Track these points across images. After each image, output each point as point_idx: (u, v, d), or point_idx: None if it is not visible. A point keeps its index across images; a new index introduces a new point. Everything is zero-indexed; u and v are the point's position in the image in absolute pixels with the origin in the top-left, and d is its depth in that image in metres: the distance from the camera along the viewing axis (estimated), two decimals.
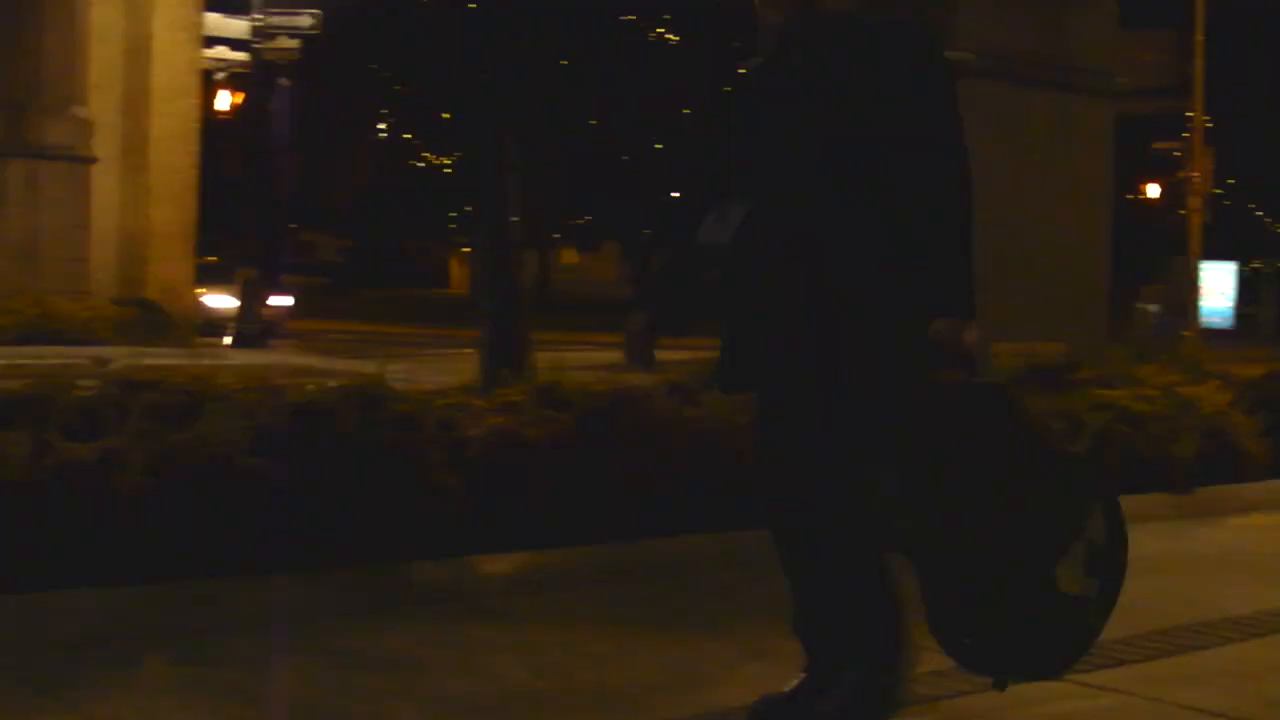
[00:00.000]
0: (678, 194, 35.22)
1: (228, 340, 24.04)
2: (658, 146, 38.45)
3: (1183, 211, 30.74)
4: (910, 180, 4.20)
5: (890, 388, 4.19)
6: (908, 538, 4.24)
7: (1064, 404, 8.90)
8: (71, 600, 5.23)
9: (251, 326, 24.26)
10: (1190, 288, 30.87)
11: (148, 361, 12.55)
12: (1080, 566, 4.40)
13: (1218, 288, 41.73)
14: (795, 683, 4.41)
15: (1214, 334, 32.65)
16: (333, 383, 6.95)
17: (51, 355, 16.58)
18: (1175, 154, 32.10)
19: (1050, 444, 4.65)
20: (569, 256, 56.39)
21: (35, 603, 5.16)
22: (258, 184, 27.44)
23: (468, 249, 26.65)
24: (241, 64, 27.94)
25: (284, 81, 27.65)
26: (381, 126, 57.44)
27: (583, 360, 19.26)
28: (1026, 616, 4.38)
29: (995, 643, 4.38)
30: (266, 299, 25.91)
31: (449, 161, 52.05)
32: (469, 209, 19.26)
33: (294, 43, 26.74)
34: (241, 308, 24.94)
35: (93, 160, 23.41)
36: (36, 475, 5.45)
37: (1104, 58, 13.45)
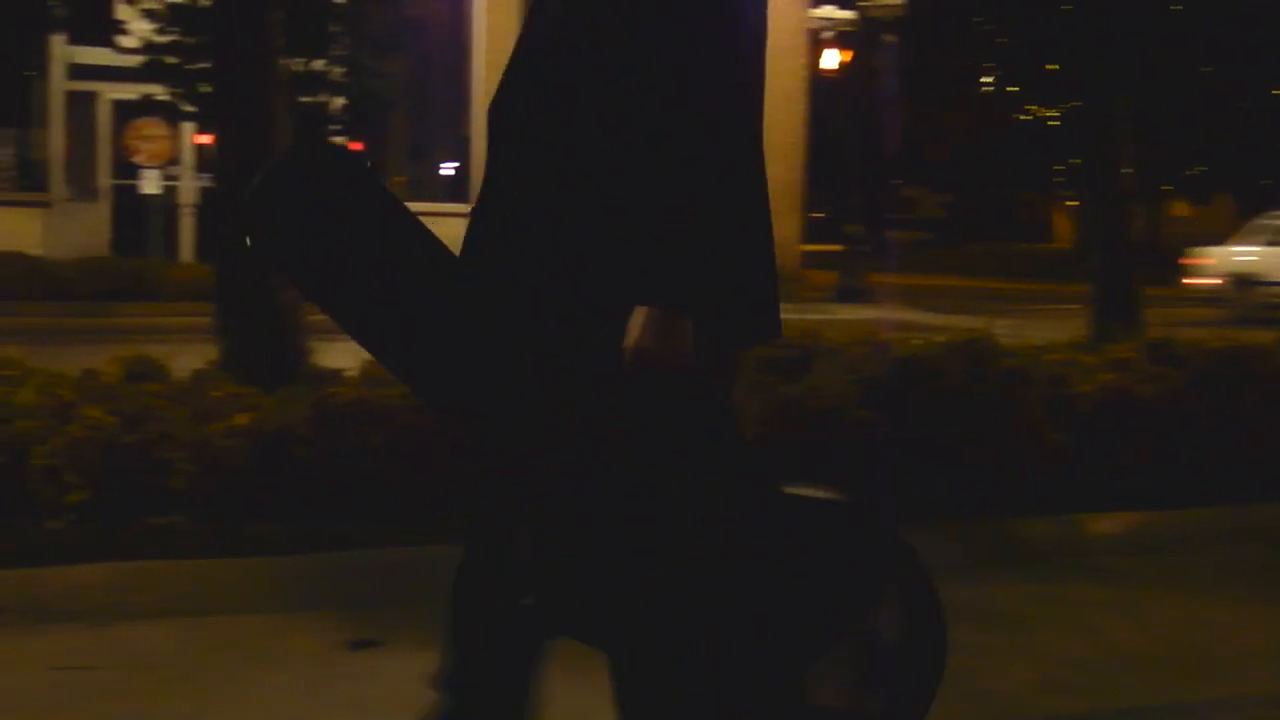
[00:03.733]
0: None
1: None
2: (1276, 93, 36.57)
3: None
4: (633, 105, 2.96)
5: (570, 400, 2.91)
6: (556, 609, 3.00)
7: None
8: None
9: (858, 282, 24.58)
10: None
11: None
12: (853, 669, 3.18)
13: None
14: None
15: None
16: (939, 338, 6.99)
17: None
18: None
19: (806, 495, 3.25)
20: (1179, 209, 54.36)
21: None
22: (863, 141, 27.76)
23: (1073, 202, 26.01)
24: (849, 22, 28.30)
25: (888, 38, 27.80)
26: (986, 80, 56.98)
27: (1194, 316, 18.64)
28: None
29: None
30: (873, 255, 26.22)
31: (1056, 114, 51.17)
32: (1077, 161, 18.77)
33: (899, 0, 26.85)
34: (845, 264, 25.31)
35: None
36: None
37: None
